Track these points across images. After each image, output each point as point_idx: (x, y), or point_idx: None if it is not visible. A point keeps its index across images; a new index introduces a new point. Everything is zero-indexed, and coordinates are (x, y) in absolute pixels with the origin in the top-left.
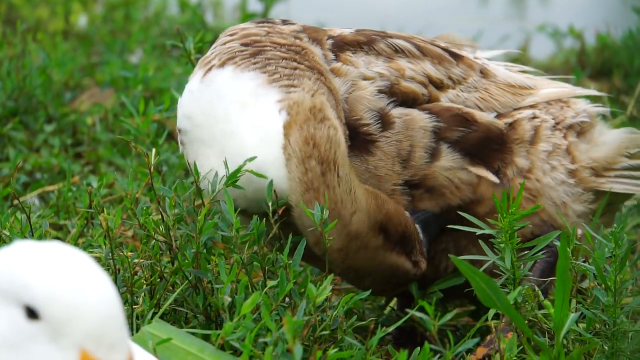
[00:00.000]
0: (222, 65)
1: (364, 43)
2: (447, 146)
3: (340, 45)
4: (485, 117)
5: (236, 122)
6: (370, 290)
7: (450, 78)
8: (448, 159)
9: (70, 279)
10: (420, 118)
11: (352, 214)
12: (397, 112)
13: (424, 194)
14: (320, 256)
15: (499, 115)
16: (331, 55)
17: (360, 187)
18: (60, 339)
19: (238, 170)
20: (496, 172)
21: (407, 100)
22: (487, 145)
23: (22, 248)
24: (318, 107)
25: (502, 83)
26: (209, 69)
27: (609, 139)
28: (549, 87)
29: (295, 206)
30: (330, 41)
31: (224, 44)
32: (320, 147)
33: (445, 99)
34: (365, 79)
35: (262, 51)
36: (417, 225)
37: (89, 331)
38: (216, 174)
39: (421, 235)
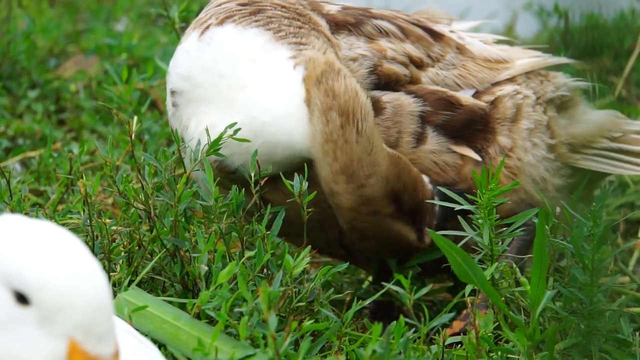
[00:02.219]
0: (220, 23)
1: (352, 24)
2: (433, 130)
3: (331, 26)
4: (470, 99)
5: (247, 77)
6: (349, 263)
7: (429, 56)
8: (433, 142)
9: (64, 267)
10: (407, 103)
11: (368, 175)
12: (387, 97)
13: None
14: (333, 209)
15: (480, 93)
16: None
17: (382, 151)
18: (49, 326)
19: (220, 137)
20: (479, 151)
21: (390, 82)
22: (471, 127)
23: (13, 225)
24: (332, 61)
25: (479, 58)
26: (206, 28)
27: (591, 118)
28: (523, 58)
29: (315, 159)
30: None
31: (219, 5)
32: (340, 98)
33: (426, 78)
34: (350, 59)
35: (262, 10)
36: (435, 198)
37: (79, 321)
38: (207, 132)
39: (436, 209)
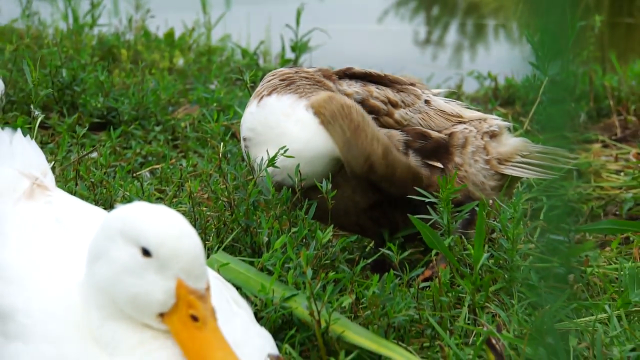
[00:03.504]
0: (269, 94)
1: (350, 75)
2: (413, 152)
3: (341, 77)
4: (437, 134)
5: (284, 125)
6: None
7: (403, 101)
8: (413, 159)
9: (174, 231)
10: (396, 134)
11: (371, 151)
12: (383, 131)
13: None
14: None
15: (439, 131)
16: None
17: (377, 130)
18: (164, 271)
19: (275, 155)
20: (443, 165)
21: (373, 112)
22: (438, 150)
23: (140, 207)
24: (329, 93)
25: (439, 110)
26: (261, 98)
27: (511, 142)
28: (470, 113)
29: (341, 148)
30: (335, 77)
31: (269, 81)
32: (341, 109)
33: (398, 114)
34: (347, 94)
35: (294, 82)
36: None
37: (183, 267)
38: (262, 159)
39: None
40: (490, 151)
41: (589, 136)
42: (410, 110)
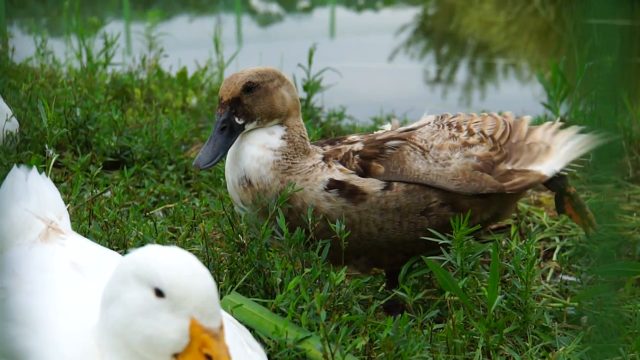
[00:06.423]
0: None
1: (379, 154)
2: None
3: (365, 158)
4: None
5: None
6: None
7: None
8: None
9: (185, 272)
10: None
11: None
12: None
13: None
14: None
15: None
16: (356, 164)
17: None
18: (177, 310)
19: (286, 193)
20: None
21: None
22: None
23: (154, 249)
24: None
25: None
26: None
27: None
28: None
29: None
30: (357, 156)
31: None
32: None
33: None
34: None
35: None
36: None
37: (196, 306)
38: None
39: None
40: None
41: (601, 176)
42: (431, 156)
